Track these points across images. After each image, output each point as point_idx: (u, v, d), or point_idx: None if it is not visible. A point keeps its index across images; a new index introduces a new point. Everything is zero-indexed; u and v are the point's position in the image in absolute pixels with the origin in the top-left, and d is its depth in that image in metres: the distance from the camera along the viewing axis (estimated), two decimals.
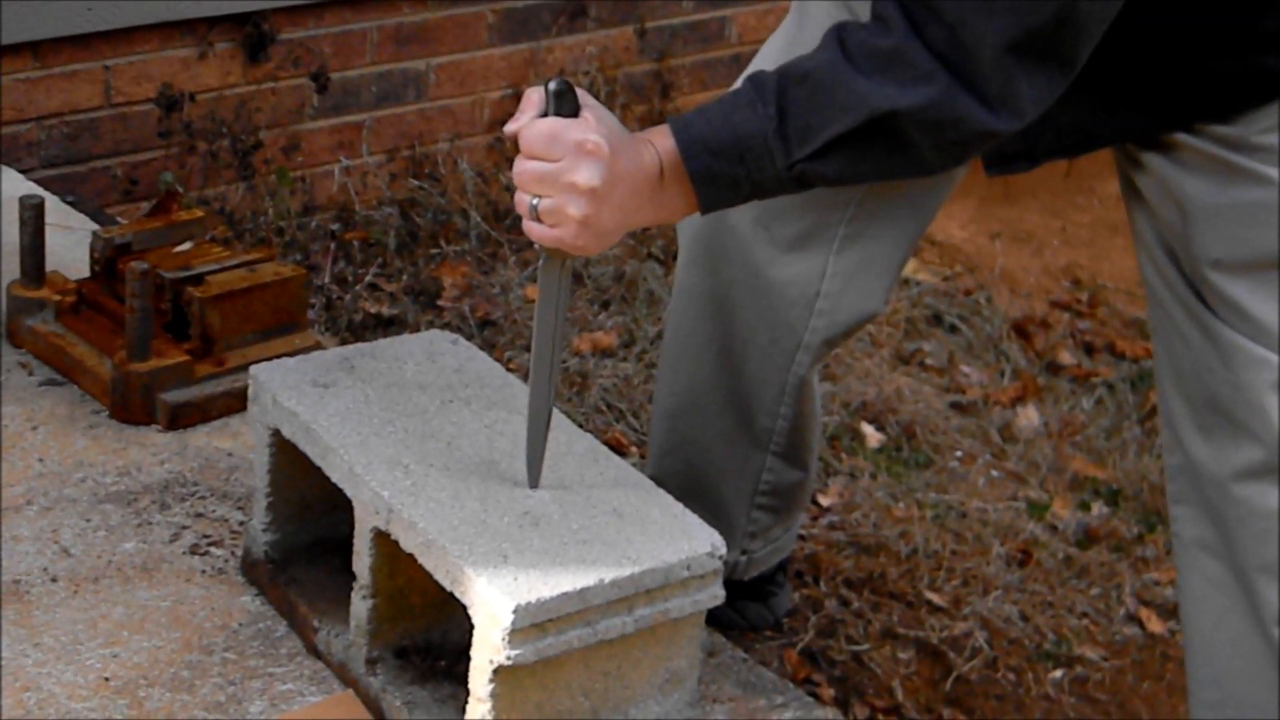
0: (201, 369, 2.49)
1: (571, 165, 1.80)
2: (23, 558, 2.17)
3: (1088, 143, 2.16)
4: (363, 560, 1.92)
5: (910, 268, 4.18)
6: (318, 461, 1.98)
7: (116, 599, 2.12)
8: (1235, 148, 2.03)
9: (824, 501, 3.29)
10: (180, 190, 3.59)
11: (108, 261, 2.58)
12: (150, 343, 2.45)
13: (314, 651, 2.04)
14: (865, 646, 2.95)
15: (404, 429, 1.98)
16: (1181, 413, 2.19)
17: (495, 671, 1.76)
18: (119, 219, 3.31)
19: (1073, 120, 2.06)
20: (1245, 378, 2.09)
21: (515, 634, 1.74)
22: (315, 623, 2.04)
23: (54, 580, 2.14)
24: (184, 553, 2.21)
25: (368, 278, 3.74)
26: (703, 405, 2.58)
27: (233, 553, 2.21)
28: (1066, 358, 4.01)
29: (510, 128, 1.84)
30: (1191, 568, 2.24)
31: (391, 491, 1.87)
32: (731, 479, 2.61)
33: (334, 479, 1.95)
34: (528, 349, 3.58)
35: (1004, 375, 3.87)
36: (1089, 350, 4.09)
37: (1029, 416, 3.73)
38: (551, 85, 1.81)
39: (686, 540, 1.86)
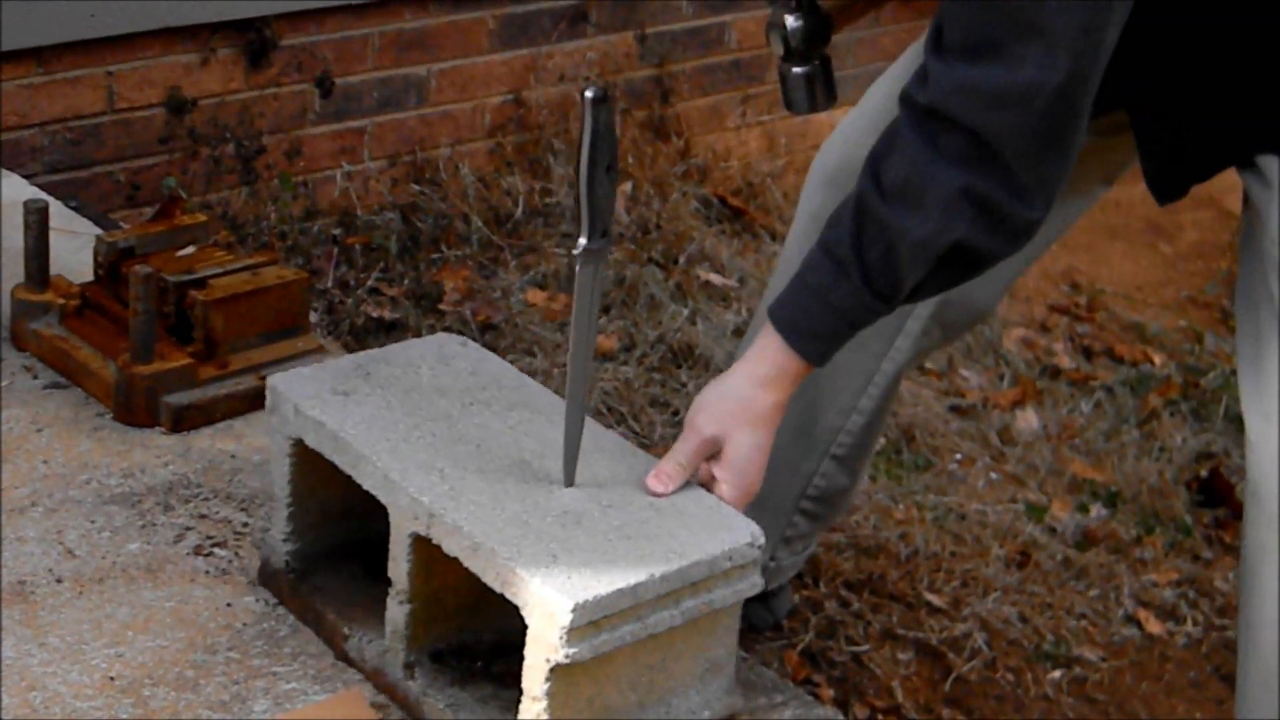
0: (205, 372, 2.51)
1: (724, 479, 1.96)
2: (28, 559, 2.18)
3: (1211, 168, 2.20)
4: (400, 566, 1.93)
5: None
6: (347, 470, 1.98)
7: (121, 599, 2.13)
8: None
9: None
10: (183, 195, 3.61)
11: (111, 265, 2.59)
12: (154, 346, 2.47)
13: (344, 658, 2.04)
14: (865, 647, 2.97)
15: (431, 433, 1.99)
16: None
17: (552, 670, 1.78)
18: (122, 224, 3.32)
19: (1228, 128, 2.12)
20: None
21: (573, 632, 1.76)
22: (345, 630, 2.04)
23: (59, 581, 2.15)
24: (188, 554, 2.22)
25: (369, 282, 3.76)
26: None
27: (236, 553, 2.23)
28: (1065, 361, 4.02)
29: (663, 478, 1.95)
30: (1251, 571, 2.27)
31: (431, 496, 1.88)
32: (782, 475, 2.57)
33: (366, 486, 1.95)
34: (529, 352, 3.60)
35: (1003, 379, 3.89)
36: (1088, 354, 4.10)
37: (1028, 420, 3.74)
38: (589, 94, 1.85)
39: (727, 531, 1.89)
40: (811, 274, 1.97)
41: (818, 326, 1.96)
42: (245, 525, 2.28)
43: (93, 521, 2.26)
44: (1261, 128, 2.11)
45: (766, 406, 1.96)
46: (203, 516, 2.29)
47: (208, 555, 2.22)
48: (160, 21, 3.55)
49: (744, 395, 1.97)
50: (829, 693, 2.85)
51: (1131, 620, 3.19)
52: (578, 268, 1.91)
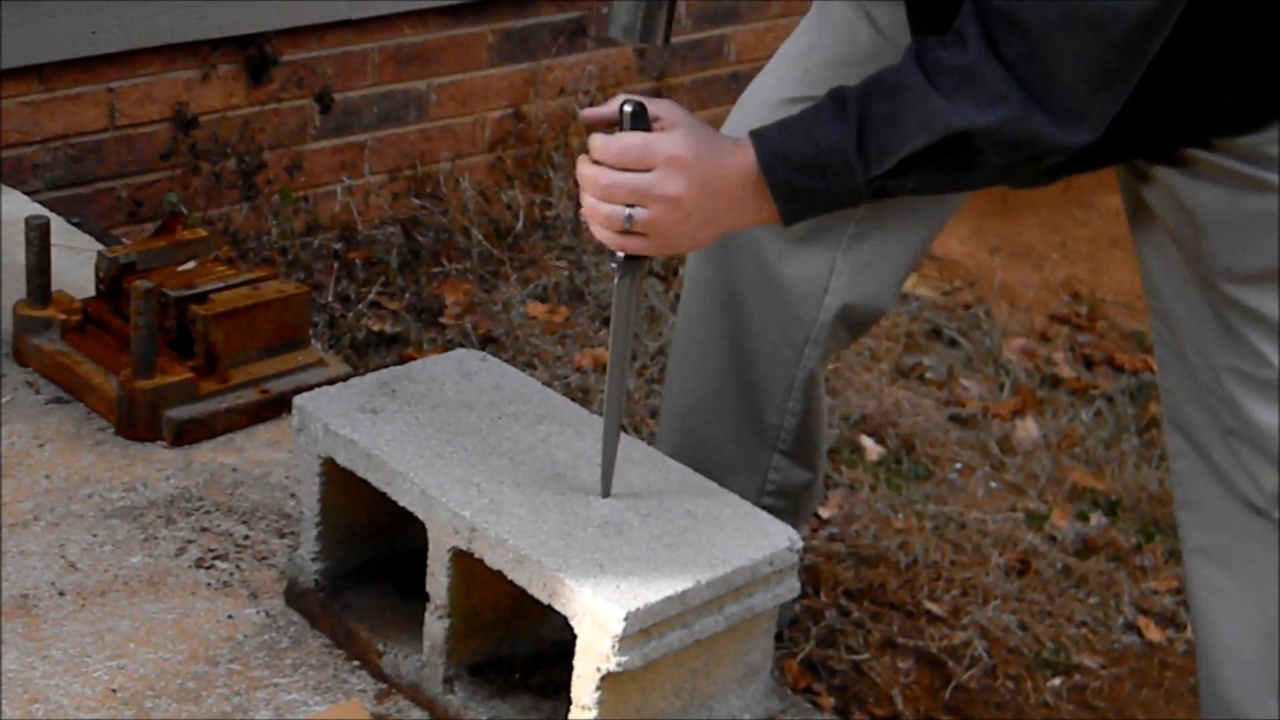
0: (206, 386, 2.52)
1: (665, 178, 1.85)
2: (31, 572, 2.19)
3: (1104, 159, 2.17)
4: (439, 581, 1.94)
5: (910, 282, 4.21)
6: (382, 487, 1.98)
7: (123, 612, 2.14)
8: (1249, 160, 2.04)
9: (824, 513, 3.31)
10: (184, 211, 3.63)
11: (113, 280, 2.61)
12: (155, 360, 2.48)
13: (380, 675, 2.05)
14: (865, 656, 2.97)
15: (464, 448, 2.00)
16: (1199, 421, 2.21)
17: (603, 679, 1.79)
18: (124, 239, 3.34)
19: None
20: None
21: (625, 640, 1.77)
22: (380, 646, 2.05)
23: (61, 594, 2.16)
24: (190, 566, 2.23)
25: (370, 296, 3.77)
26: (712, 402, 2.59)
27: (237, 566, 2.24)
28: (1065, 371, 4.03)
29: (601, 144, 1.87)
30: (1196, 572, 2.27)
31: (472, 511, 1.89)
32: (739, 478, 2.60)
33: (403, 503, 1.96)
34: (530, 365, 3.61)
35: (1003, 388, 3.89)
36: (1088, 363, 4.11)
37: (1028, 429, 3.75)
38: (627, 107, 1.87)
39: (765, 537, 1.92)
40: (810, 109, 1.92)
41: (790, 152, 1.89)
42: (246, 538, 2.29)
43: (95, 535, 2.28)
44: None
45: (714, 172, 1.88)
46: (204, 530, 2.30)
47: (209, 568, 2.23)
48: (161, 38, 3.56)
49: (712, 149, 1.89)
50: (829, 701, 2.85)
51: (1131, 628, 3.20)
52: (615, 280, 1.92)
